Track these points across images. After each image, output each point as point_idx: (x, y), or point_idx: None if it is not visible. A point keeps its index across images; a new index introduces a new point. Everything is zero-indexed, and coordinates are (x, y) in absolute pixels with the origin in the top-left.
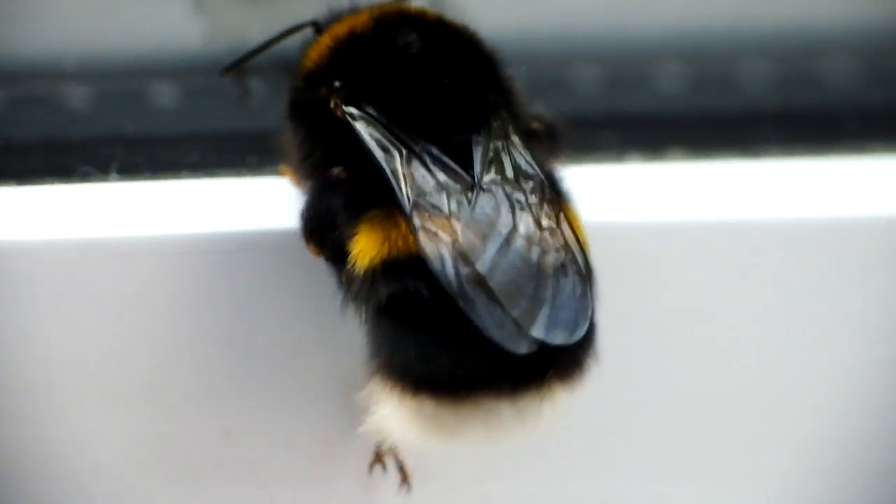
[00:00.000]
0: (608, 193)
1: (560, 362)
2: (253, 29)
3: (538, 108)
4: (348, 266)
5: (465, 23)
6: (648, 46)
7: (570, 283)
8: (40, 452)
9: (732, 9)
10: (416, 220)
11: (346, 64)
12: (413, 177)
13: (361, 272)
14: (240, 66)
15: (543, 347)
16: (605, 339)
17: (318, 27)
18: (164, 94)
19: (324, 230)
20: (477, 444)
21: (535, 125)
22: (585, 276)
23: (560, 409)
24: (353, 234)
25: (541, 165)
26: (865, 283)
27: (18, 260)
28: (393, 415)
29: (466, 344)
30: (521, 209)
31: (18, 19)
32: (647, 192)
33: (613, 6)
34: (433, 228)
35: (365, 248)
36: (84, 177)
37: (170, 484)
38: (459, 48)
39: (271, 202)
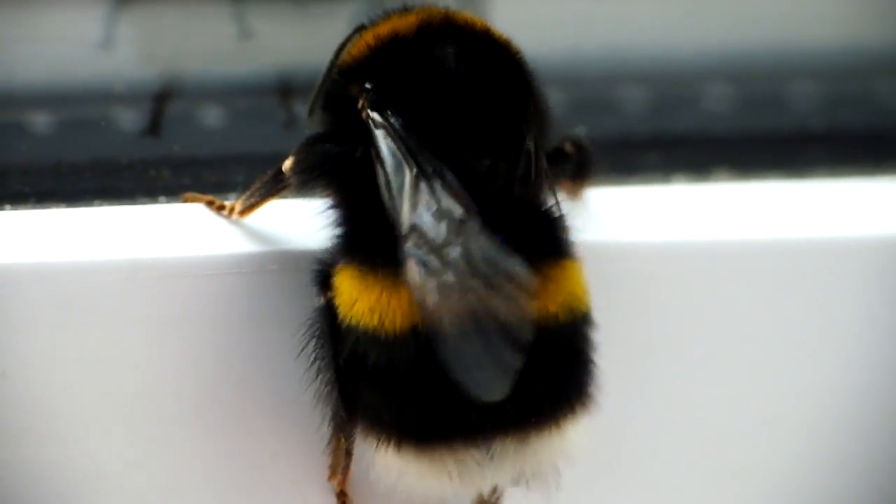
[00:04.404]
0: (654, 214)
1: (538, 409)
2: (298, 50)
3: (581, 129)
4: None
5: (508, 38)
6: (694, 66)
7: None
8: (89, 471)
9: (779, 28)
10: (409, 244)
11: (381, 66)
12: (416, 200)
13: (357, 330)
14: (318, 101)
15: (520, 395)
16: (646, 358)
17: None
18: (212, 116)
19: (311, 171)
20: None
21: (567, 147)
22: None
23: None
24: (337, 266)
25: (552, 202)
26: None
27: (68, 281)
28: (382, 464)
29: (438, 401)
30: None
31: (67, 45)
32: (694, 213)
33: (659, 26)
34: (424, 255)
35: (359, 307)
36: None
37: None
38: (497, 68)
39: (315, 222)
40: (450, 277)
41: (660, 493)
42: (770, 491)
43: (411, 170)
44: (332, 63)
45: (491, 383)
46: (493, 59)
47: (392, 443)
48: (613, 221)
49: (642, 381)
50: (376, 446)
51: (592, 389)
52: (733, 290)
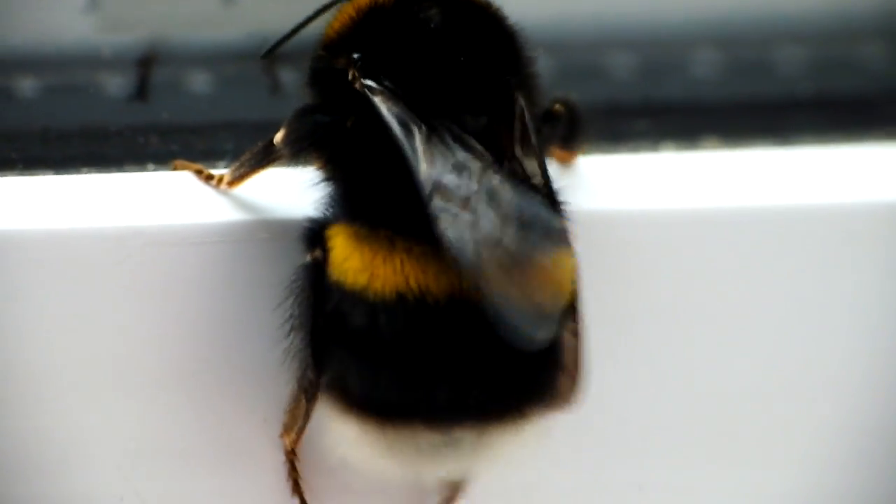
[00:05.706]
0: (643, 182)
1: (504, 401)
2: (284, 15)
3: (571, 95)
4: (325, 264)
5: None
6: (683, 33)
7: None
8: (77, 438)
9: None
10: (437, 202)
11: (366, 35)
12: (433, 155)
13: (344, 287)
14: (277, 48)
15: (489, 384)
16: (636, 326)
17: None
18: (199, 83)
19: (303, 141)
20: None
21: (558, 108)
22: None
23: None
24: (332, 225)
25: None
26: None
27: (55, 248)
28: (339, 432)
29: (410, 378)
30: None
31: (51, 9)
32: (682, 181)
33: None
34: (454, 210)
35: (351, 265)
36: (120, 165)
37: (207, 469)
38: (481, 26)
39: (307, 190)
40: (484, 227)
41: (649, 463)
42: (764, 461)
43: (420, 128)
44: (308, 19)
45: (536, 330)
46: (474, 15)
47: (354, 412)
48: (602, 189)
49: (631, 350)
50: (338, 412)
51: (565, 388)
52: (722, 258)
